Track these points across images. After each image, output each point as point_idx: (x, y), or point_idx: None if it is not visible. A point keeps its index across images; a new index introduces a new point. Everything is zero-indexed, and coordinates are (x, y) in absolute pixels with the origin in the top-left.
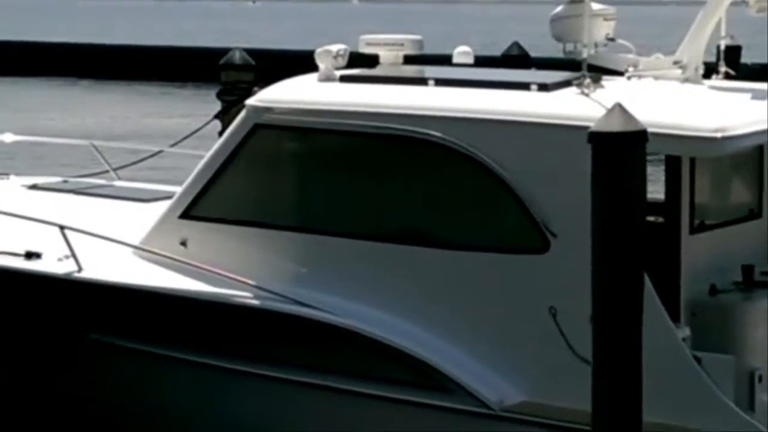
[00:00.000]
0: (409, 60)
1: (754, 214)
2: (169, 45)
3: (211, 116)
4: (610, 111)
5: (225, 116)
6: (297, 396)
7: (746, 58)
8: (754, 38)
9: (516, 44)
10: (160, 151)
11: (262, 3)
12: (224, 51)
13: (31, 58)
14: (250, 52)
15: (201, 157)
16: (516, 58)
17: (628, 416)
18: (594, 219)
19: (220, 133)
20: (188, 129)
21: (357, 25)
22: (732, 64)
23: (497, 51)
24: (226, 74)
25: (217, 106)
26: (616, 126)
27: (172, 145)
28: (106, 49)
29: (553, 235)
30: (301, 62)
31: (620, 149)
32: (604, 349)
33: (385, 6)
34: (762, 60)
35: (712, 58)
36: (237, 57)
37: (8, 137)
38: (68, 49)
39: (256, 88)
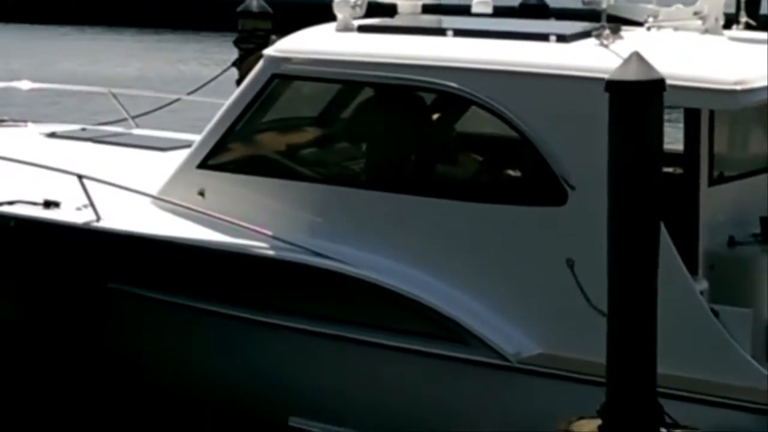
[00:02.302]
0: (427, 9)
1: None
2: None
3: (228, 64)
4: (627, 60)
5: (242, 64)
6: (315, 347)
7: (765, 8)
8: None
9: None
10: (177, 99)
11: None
12: None
13: (43, 6)
14: (268, 0)
15: (219, 105)
16: (534, 7)
17: (642, 367)
18: (610, 168)
19: (238, 82)
20: (206, 77)
21: None
22: (752, 14)
23: (516, 1)
24: (243, 22)
25: (234, 54)
26: (633, 75)
27: (190, 93)
28: None
29: (571, 187)
30: (317, 11)
31: (637, 98)
32: (619, 301)
33: None
34: None
35: (731, 9)
36: (254, 5)
37: (25, 84)
38: None
39: (273, 37)
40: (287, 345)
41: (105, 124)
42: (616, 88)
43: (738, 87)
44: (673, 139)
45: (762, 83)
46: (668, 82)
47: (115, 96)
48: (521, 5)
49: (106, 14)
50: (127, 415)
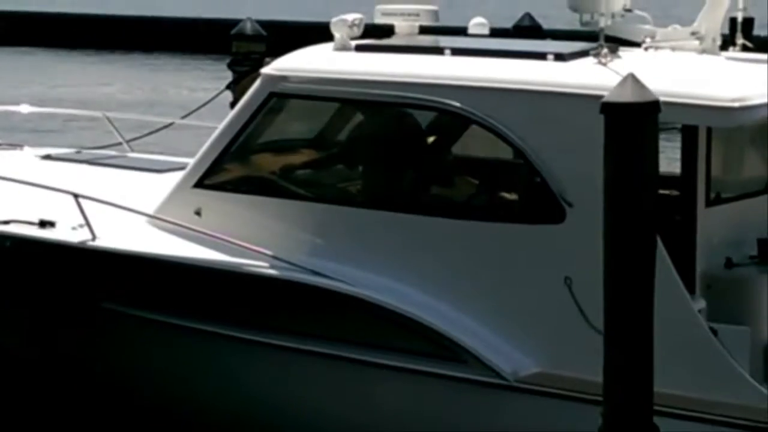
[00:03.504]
0: (424, 30)
1: None
2: (178, 16)
3: (222, 87)
4: (622, 81)
5: (236, 87)
6: (310, 366)
7: (758, 30)
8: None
9: (528, 15)
10: (171, 123)
11: None
12: (235, 22)
13: (40, 30)
14: (261, 23)
15: (212, 128)
16: (528, 29)
17: (639, 386)
18: (606, 189)
19: (232, 104)
20: (200, 100)
21: None
22: (745, 36)
23: (510, 23)
24: (237, 45)
25: (228, 77)
26: (628, 96)
27: (184, 117)
28: (114, 20)
29: (569, 204)
30: (312, 33)
31: (632, 120)
32: (615, 319)
33: None
34: None
35: (726, 31)
36: (248, 27)
37: (25, 108)
38: (75, 20)
39: (267, 59)
40: (282, 364)
41: (100, 148)
42: (611, 110)
43: (735, 104)
44: (671, 161)
45: (759, 101)
46: (666, 99)
47: (109, 120)
48: (515, 27)
49: (99, 38)
50: None
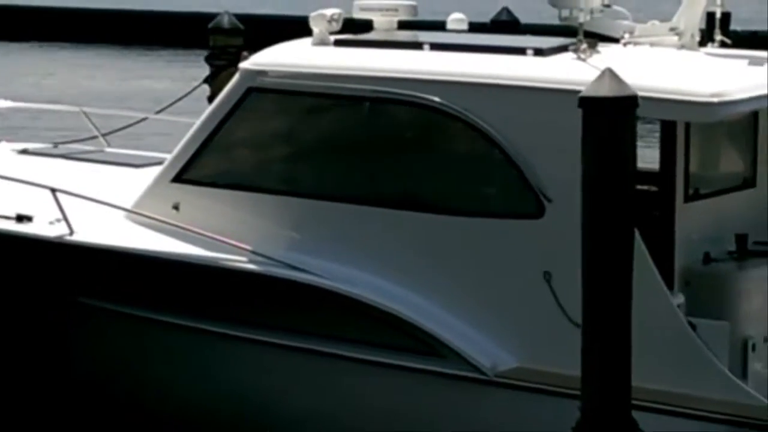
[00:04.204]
0: (403, 26)
1: (748, 182)
2: (155, 9)
3: (199, 82)
4: (600, 76)
5: (214, 81)
6: (288, 361)
7: (735, 25)
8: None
9: (506, 9)
10: (145, 118)
11: None
12: (212, 16)
13: (9, 22)
14: (239, 16)
15: (189, 123)
16: (505, 23)
17: (617, 381)
18: (584, 184)
19: (210, 98)
20: (177, 94)
21: None
22: (723, 31)
23: (487, 18)
24: (214, 38)
25: (206, 71)
26: (605, 91)
27: (159, 111)
28: (90, 13)
29: (549, 200)
30: (290, 28)
31: (610, 114)
32: (594, 314)
33: None
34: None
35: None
36: (225, 21)
37: (1, 103)
38: (51, 13)
39: (245, 53)
40: (262, 360)
41: (76, 142)
42: (588, 104)
43: (714, 99)
44: (650, 158)
45: (738, 96)
46: (645, 94)
47: (86, 114)
48: (493, 21)
49: (74, 32)
50: (96, 430)
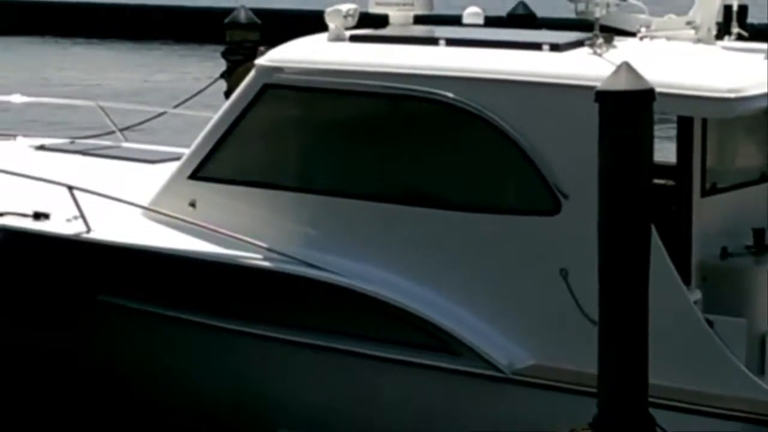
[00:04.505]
0: (419, 20)
1: (765, 177)
2: (172, 4)
3: (216, 76)
4: (617, 70)
5: (230, 76)
6: (306, 358)
7: (752, 18)
8: None
9: (522, 3)
10: (164, 113)
11: None
12: (229, 10)
13: (25, 17)
14: (255, 11)
15: (206, 117)
16: (522, 17)
17: (634, 378)
18: (601, 178)
19: (226, 94)
20: (194, 89)
21: None
22: (740, 24)
23: (504, 11)
24: (231, 33)
25: (222, 66)
26: (623, 85)
27: (177, 106)
28: (106, 7)
29: (565, 196)
30: (306, 22)
31: (627, 108)
32: (610, 311)
33: None
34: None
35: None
36: (242, 16)
37: (17, 98)
38: (66, 7)
39: (261, 48)
40: (278, 356)
41: (93, 137)
42: (605, 98)
43: (732, 95)
44: (668, 152)
45: (756, 91)
46: (662, 90)
47: (103, 109)
48: (509, 15)
49: (91, 27)
50: (115, 427)
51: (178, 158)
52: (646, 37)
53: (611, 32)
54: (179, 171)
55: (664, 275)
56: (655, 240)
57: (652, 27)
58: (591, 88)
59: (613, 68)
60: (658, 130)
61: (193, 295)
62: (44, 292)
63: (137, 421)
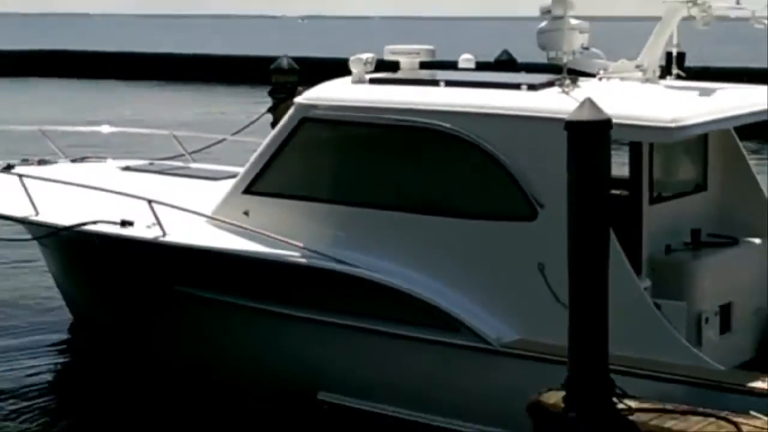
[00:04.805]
0: (424, 65)
1: (700, 187)
2: (228, 54)
3: (264, 111)
4: (581, 104)
5: (275, 110)
6: (339, 335)
7: (689, 62)
8: (692, 45)
9: (506, 52)
10: (224, 139)
11: (308, 20)
12: (274, 58)
13: (115, 65)
14: (295, 59)
15: (256, 143)
16: (506, 63)
17: (597, 349)
18: (570, 190)
19: (272, 124)
20: (246, 121)
21: (376, 37)
22: (679, 66)
23: (491, 57)
24: (275, 76)
25: (269, 103)
26: (586, 116)
27: (234, 134)
28: (179, 58)
29: (541, 205)
30: (334, 67)
31: (590, 135)
32: (578, 296)
33: (401, 21)
34: (700, 64)
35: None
36: (285, 63)
37: (105, 128)
38: (143, 58)
39: (300, 88)
40: (316, 334)
41: (168, 159)
42: (572, 127)
43: (673, 124)
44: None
45: (693, 121)
46: (617, 121)
47: (176, 137)
48: (496, 61)
49: (165, 71)
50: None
51: (234, 176)
52: (604, 78)
53: (577, 74)
54: (235, 187)
55: (620, 267)
56: (613, 239)
57: (609, 69)
58: (561, 119)
59: (578, 103)
60: (615, 151)
61: (246, 286)
62: (130, 284)
63: (209, 398)
